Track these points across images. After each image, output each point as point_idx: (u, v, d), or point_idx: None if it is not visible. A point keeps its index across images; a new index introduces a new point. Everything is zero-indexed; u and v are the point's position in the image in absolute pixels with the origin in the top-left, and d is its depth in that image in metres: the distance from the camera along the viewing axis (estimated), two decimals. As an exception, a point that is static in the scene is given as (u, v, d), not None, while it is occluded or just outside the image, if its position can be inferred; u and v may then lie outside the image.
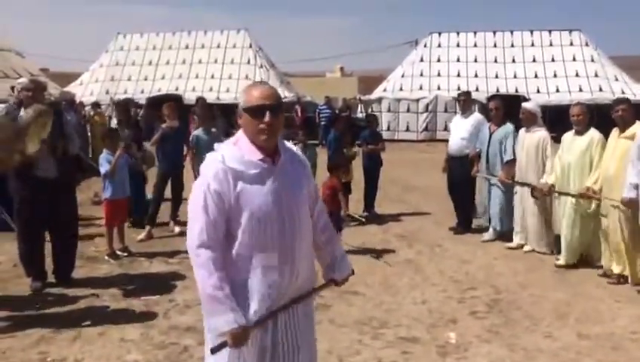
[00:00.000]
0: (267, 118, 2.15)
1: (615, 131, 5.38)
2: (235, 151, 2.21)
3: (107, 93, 22.28)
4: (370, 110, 20.75)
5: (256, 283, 2.20)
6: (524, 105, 6.71)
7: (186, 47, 23.97)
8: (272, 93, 2.22)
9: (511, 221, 6.69)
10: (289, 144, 2.39)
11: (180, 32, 24.89)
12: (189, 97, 19.57)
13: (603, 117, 6.96)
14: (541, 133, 6.37)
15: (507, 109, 7.13)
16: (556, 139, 6.27)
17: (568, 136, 5.95)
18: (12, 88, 6.30)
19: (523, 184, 6.38)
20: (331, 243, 2.51)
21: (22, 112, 4.94)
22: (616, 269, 5.30)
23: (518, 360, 3.79)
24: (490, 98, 8.12)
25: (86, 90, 22.86)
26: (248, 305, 2.19)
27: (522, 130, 6.55)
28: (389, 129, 20.74)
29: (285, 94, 21.18)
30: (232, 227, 2.20)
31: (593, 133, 5.75)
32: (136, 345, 3.98)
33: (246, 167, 2.18)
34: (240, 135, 2.26)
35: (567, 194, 5.81)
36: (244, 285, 2.20)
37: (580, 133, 5.82)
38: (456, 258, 6.25)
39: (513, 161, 6.57)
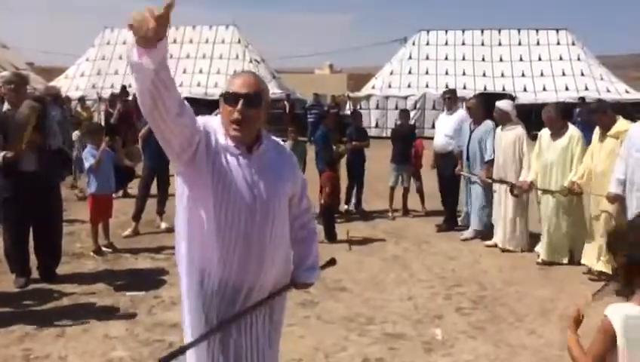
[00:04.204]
0: (239, 106, 1.99)
1: (598, 130, 5.46)
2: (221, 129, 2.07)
3: (93, 87, 22.06)
4: (358, 107, 20.76)
5: (214, 273, 2.06)
6: (497, 104, 6.70)
7: (174, 41, 23.69)
8: (253, 82, 2.04)
9: (490, 219, 6.73)
10: (274, 137, 2.26)
11: (167, 26, 24.63)
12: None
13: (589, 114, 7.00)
14: (517, 131, 6.41)
15: (493, 108, 7.16)
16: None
17: (546, 134, 6.00)
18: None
19: (503, 182, 6.41)
20: (305, 244, 2.36)
21: (5, 107, 4.88)
22: (598, 266, 5.36)
23: (502, 356, 3.82)
24: (472, 97, 8.13)
25: (72, 85, 22.62)
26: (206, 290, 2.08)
27: (499, 129, 6.59)
28: (377, 126, 20.79)
29: (275, 90, 21.13)
30: (195, 201, 2.02)
31: (573, 132, 5.85)
32: (121, 341, 3.95)
33: (223, 148, 2.04)
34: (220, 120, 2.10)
35: (548, 191, 5.87)
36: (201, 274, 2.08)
37: (556, 134, 5.87)
38: (442, 255, 6.28)
39: (493, 161, 6.59)
